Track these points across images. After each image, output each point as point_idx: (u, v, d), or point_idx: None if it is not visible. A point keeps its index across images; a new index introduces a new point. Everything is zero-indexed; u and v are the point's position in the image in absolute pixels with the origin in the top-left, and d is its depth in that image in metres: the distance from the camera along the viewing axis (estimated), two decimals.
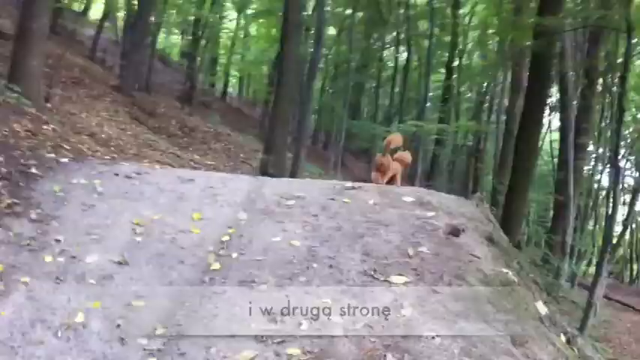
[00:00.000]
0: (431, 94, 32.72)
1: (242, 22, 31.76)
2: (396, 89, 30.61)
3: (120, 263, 4.29)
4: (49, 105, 11.90)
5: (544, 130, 34.63)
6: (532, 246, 28.53)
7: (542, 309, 4.22)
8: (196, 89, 23.73)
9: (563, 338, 4.12)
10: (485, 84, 29.73)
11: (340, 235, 4.62)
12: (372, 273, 4.15)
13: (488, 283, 4.04)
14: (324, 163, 23.08)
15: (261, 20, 31.08)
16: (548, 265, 18.96)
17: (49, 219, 4.69)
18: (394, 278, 4.07)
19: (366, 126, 26.05)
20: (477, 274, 4.11)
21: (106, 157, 6.66)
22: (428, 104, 32.16)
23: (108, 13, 23.37)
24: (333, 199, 5.18)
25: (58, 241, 4.45)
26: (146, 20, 18.89)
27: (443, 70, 29.31)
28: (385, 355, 3.43)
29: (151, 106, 17.74)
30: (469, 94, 35.40)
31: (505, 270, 4.22)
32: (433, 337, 3.54)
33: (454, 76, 28.37)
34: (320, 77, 34.12)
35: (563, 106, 16.65)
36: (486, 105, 30.52)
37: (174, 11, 26.64)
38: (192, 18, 25.26)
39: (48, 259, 4.24)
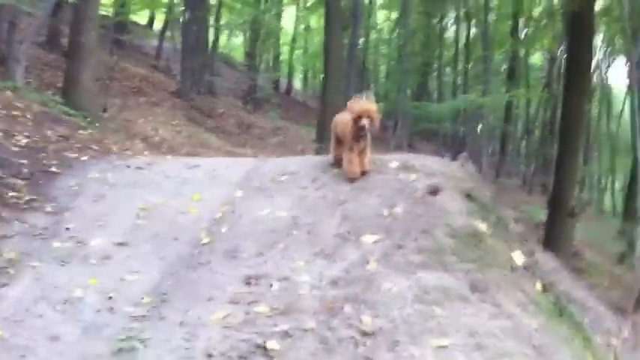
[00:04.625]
0: (504, 67, 32.13)
1: (300, 16, 32.18)
2: (459, 67, 30.22)
3: (120, 244, 4.68)
4: (106, 114, 12.65)
5: (623, 93, 33.39)
6: (614, 215, 27.59)
7: (518, 259, 4.29)
8: (258, 87, 24.30)
9: (538, 286, 4.18)
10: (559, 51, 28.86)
11: (324, 204, 4.84)
12: (346, 235, 4.36)
13: (455, 236, 4.16)
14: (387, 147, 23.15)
15: (321, 11, 31.41)
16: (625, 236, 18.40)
17: (63, 210, 5.15)
18: (365, 238, 4.27)
19: (430, 106, 25.86)
20: (444, 228, 4.23)
21: (127, 153, 7.10)
22: (500, 78, 31.58)
23: (167, 23, 24.22)
24: (324, 172, 5.40)
25: (67, 229, 4.90)
26: (200, 25, 19.55)
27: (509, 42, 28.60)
28: (343, 307, 3.66)
29: (210, 108, 18.39)
30: (540, 64, 34.55)
31: (477, 223, 4.32)
32: (390, 288, 3.73)
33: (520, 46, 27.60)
34: (384, 62, 34.26)
35: (629, 63, 16.14)
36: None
37: (232, 14, 27.37)
38: (250, 17, 25.84)
39: (56, 245, 4.69)
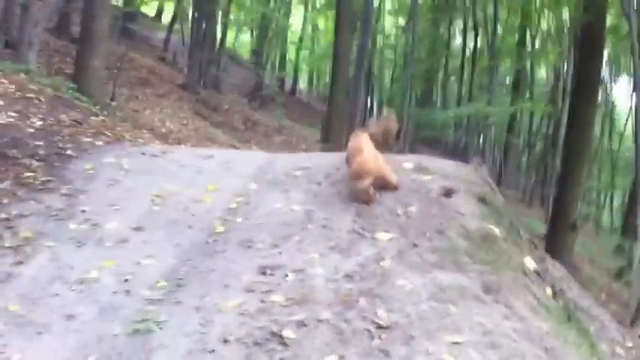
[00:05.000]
0: (508, 82, 32.21)
1: (309, 16, 32.27)
2: (465, 76, 30.33)
3: (135, 229, 4.72)
4: (114, 103, 12.69)
5: (627, 112, 33.49)
6: (612, 232, 27.69)
7: (530, 264, 4.35)
8: (264, 85, 24.38)
9: (549, 291, 4.24)
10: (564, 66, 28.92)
11: (338, 200, 4.89)
12: (361, 231, 4.41)
13: (469, 238, 4.22)
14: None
15: (329, 13, 31.51)
16: (623, 252, 18.46)
17: (78, 193, 5.20)
18: (380, 235, 4.32)
19: (433, 113, 25.96)
20: (458, 229, 4.29)
21: (140, 141, 7.16)
22: (504, 89, 31.66)
23: (176, 16, 24.28)
24: (338, 169, 5.45)
25: (83, 211, 4.94)
26: (209, 20, 19.61)
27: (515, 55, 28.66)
28: (358, 300, 3.71)
29: (216, 103, 18.45)
30: (545, 78, 34.64)
31: (490, 226, 4.38)
32: (405, 285, 3.78)
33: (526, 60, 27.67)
34: (390, 67, 34.36)
35: (635, 85, 16.21)
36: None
37: (242, 11, 27.45)
38: (258, 15, 25.93)
39: (72, 226, 4.73)
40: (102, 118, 7.95)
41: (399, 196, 4.81)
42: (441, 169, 5.18)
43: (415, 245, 4.16)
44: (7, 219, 4.87)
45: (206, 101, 17.90)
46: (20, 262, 4.35)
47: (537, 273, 4.35)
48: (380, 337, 3.38)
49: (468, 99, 27.85)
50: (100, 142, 6.34)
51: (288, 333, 3.47)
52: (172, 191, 5.26)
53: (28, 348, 3.65)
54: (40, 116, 6.64)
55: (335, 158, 5.81)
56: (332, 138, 14.77)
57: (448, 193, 4.73)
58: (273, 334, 3.48)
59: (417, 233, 4.28)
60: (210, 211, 4.93)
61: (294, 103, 28.73)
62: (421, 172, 5.15)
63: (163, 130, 12.40)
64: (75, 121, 6.98)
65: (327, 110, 15.77)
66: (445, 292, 3.70)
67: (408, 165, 5.29)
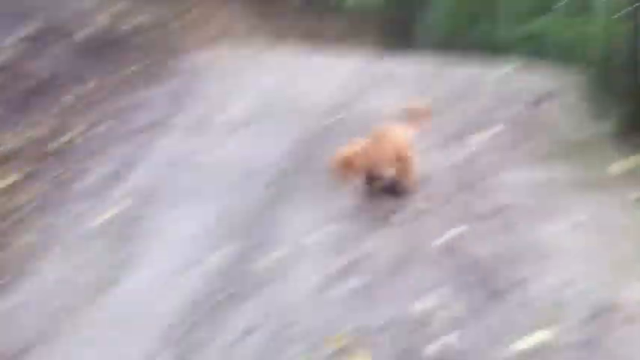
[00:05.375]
0: None
1: None
2: None
3: (246, 122, 5.06)
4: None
5: None
6: None
7: (618, 168, 4.60)
8: None
9: (636, 194, 4.47)
10: None
11: (439, 100, 5.11)
12: (461, 131, 4.68)
13: (563, 141, 4.48)
14: None
15: None
16: None
17: (184, 88, 5.59)
18: (478, 135, 4.60)
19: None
20: (553, 133, 4.56)
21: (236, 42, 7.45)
22: None
23: None
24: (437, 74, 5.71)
25: (192, 105, 5.31)
26: None
27: None
28: (474, 185, 4.03)
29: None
30: None
31: (582, 131, 4.64)
32: (507, 178, 4.09)
33: None
34: None
35: None
36: None
37: None
38: None
39: (184, 117, 5.16)
40: (186, 20, 8.15)
41: (496, 100, 5.05)
42: (533, 79, 5.41)
43: (512, 146, 4.44)
44: (119, 109, 5.26)
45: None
46: (141, 148, 4.75)
47: (625, 176, 4.57)
48: (502, 216, 3.70)
49: None
50: (196, 41, 6.63)
51: (417, 205, 3.83)
52: (275, 89, 5.54)
53: (163, 219, 4.05)
54: (133, 16, 6.88)
55: (433, 64, 6.01)
56: None
57: (543, 99, 4.97)
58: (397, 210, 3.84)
59: (515, 134, 4.57)
60: (315, 107, 5.20)
61: None
62: (517, 79, 5.38)
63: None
64: (165, 22, 7.22)
65: None
66: (544, 185, 4.01)
67: (502, 72, 5.53)
